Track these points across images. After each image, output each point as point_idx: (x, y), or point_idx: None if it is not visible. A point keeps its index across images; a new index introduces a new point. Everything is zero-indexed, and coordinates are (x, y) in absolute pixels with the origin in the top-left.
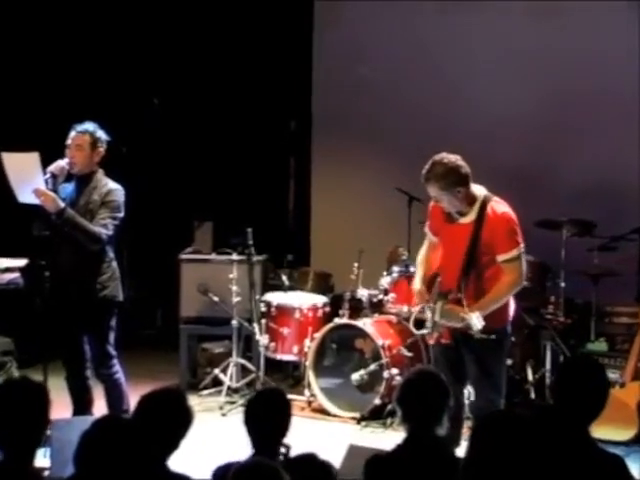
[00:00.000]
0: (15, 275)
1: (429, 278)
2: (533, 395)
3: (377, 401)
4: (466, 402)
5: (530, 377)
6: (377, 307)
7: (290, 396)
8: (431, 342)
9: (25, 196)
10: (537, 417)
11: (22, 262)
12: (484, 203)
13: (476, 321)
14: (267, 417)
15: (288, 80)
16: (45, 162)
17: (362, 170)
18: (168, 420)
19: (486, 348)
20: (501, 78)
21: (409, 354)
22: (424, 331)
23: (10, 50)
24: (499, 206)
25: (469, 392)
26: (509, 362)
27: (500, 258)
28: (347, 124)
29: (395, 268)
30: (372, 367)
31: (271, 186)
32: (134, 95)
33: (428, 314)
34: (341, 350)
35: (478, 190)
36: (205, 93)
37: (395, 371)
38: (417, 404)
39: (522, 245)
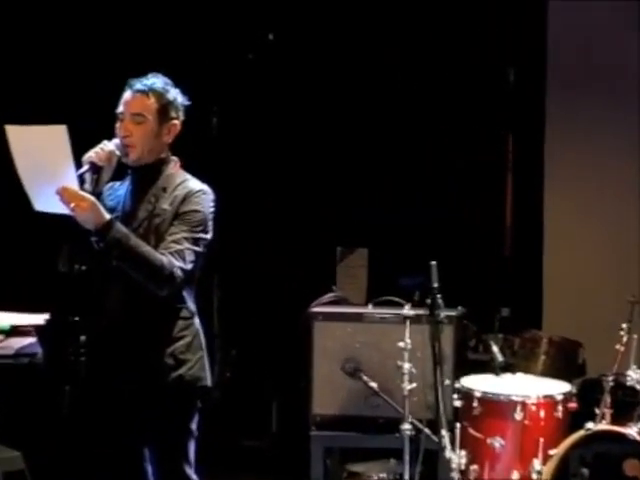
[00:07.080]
0: (29, 341)
1: None
2: None
3: None
4: None
5: None
6: None
7: None
8: None
9: (45, 201)
10: None
11: (41, 318)
12: None
13: None
14: None
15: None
16: (77, 146)
17: (632, 155)
18: None
19: None
20: None
21: None
22: None
23: None
24: None
25: None
26: None
27: None
28: (605, 76)
29: None
30: None
31: (471, 183)
32: (233, 30)
33: None
34: (599, 478)
35: None
36: (352, 23)
37: None
38: None
39: None
